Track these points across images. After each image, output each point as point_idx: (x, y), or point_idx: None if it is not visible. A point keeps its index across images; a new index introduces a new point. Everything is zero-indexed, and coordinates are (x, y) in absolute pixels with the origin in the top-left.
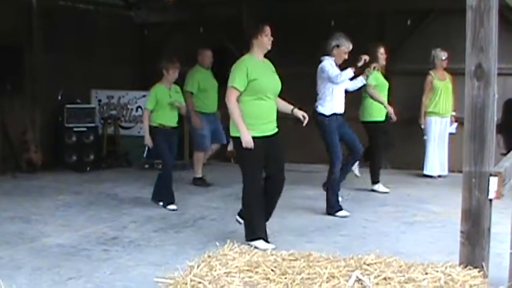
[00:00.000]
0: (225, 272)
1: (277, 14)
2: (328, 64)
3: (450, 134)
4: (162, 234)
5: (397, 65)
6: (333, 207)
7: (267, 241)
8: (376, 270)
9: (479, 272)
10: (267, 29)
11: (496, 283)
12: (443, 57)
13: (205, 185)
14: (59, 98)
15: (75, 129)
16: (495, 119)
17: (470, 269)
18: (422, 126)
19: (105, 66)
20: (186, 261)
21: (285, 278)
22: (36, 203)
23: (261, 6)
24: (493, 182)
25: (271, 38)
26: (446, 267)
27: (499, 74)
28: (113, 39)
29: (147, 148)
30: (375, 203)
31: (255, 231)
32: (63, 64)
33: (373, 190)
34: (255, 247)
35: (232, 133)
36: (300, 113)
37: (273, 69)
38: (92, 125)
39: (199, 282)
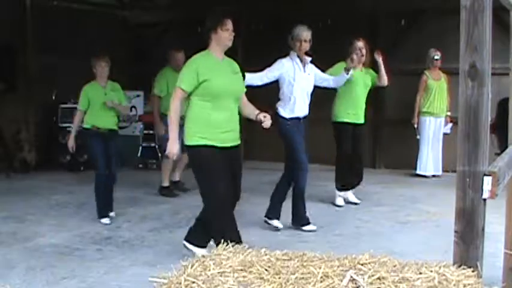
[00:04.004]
0: (218, 272)
1: (273, 14)
2: (276, 64)
3: (444, 134)
4: (156, 234)
5: (390, 65)
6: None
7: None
8: (370, 270)
9: (473, 271)
10: (228, 23)
11: (490, 283)
12: (436, 57)
13: (172, 194)
14: (53, 97)
15: (69, 129)
16: (489, 118)
17: (464, 269)
18: (415, 126)
19: None
20: (179, 261)
21: (279, 278)
22: (29, 203)
23: (258, 6)
24: (487, 181)
25: (232, 34)
26: (440, 267)
27: (493, 74)
28: (107, 39)
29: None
30: (369, 203)
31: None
32: (57, 64)
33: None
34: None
35: (185, 141)
36: (261, 115)
37: (236, 69)
38: None
39: (193, 282)
